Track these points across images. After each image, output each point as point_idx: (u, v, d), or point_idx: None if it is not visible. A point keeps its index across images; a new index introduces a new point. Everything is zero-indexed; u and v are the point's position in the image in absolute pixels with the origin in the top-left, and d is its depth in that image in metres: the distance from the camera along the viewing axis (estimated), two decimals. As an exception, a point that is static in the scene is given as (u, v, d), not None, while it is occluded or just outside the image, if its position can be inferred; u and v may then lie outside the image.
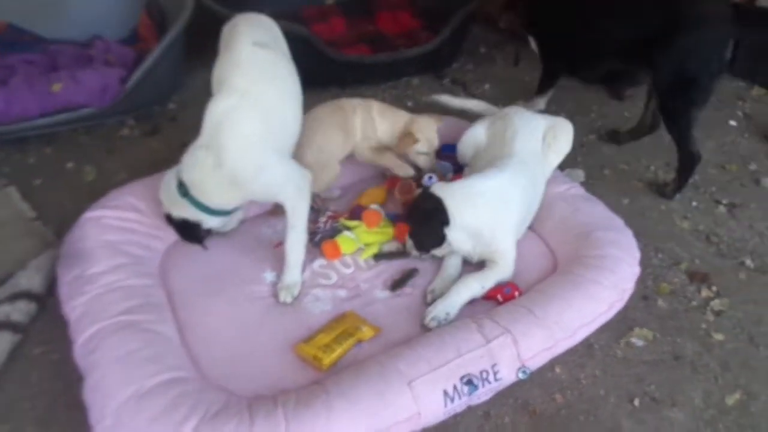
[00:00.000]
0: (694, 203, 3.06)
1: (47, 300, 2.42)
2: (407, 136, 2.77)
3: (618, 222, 2.63)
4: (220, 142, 2.23)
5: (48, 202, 2.90)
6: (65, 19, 3.91)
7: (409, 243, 2.49)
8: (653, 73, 2.87)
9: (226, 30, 2.56)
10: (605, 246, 2.45)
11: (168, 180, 2.36)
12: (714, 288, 2.59)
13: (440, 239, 2.39)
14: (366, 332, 2.23)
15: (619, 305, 2.34)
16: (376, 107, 2.88)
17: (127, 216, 2.53)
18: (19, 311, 2.33)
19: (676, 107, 2.85)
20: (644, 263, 2.63)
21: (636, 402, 2.16)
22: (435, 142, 2.84)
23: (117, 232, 2.47)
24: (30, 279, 2.43)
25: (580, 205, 2.69)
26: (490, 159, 2.60)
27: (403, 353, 2.03)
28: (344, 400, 1.86)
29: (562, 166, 3.14)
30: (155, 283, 2.38)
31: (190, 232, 2.40)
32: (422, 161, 2.85)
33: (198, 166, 2.27)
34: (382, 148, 2.89)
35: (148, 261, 2.46)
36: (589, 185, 3.09)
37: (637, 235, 2.73)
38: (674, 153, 3.32)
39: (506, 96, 3.79)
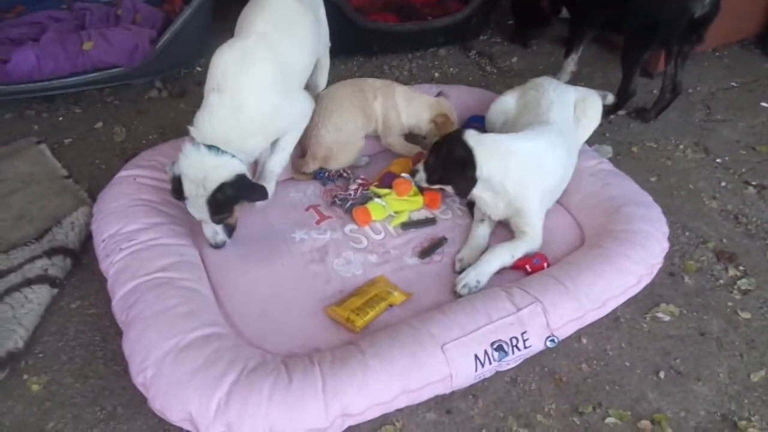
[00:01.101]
0: (723, 183, 3.05)
1: (82, 256, 2.46)
2: (446, 120, 2.78)
3: (647, 198, 2.64)
4: (236, 82, 2.22)
5: (79, 161, 2.93)
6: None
7: (420, 174, 2.53)
8: (627, 16, 3.16)
9: None
10: (635, 221, 2.46)
11: (190, 158, 2.21)
12: (741, 267, 2.60)
13: (472, 183, 2.39)
14: (397, 297, 2.27)
15: (647, 279, 2.36)
16: (399, 92, 2.87)
17: (162, 176, 2.54)
18: (56, 266, 2.37)
19: (635, 46, 3.24)
20: (672, 240, 2.64)
21: (661, 374, 2.19)
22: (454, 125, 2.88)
23: (152, 191, 2.50)
24: (65, 235, 2.47)
25: (610, 180, 2.70)
26: (522, 127, 2.59)
27: (436, 318, 2.07)
28: (379, 360, 1.90)
29: (591, 142, 3.15)
30: (189, 243, 2.41)
31: (247, 188, 2.30)
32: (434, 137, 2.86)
33: (215, 113, 2.22)
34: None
35: (182, 221, 2.48)
36: (616, 161, 3.08)
37: (665, 213, 2.74)
38: (704, 131, 3.36)
39: (532, 70, 3.77)
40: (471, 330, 2.02)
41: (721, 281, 2.54)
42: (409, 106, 2.84)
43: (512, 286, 2.22)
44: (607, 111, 3.36)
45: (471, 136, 2.40)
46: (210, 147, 2.21)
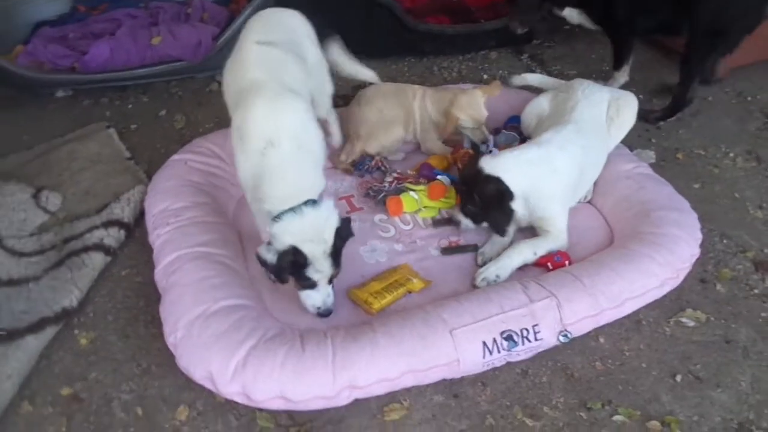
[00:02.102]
0: (772, 194, 2.95)
1: (135, 229, 2.69)
2: (448, 119, 2.86)
3: (684, 204, 2.60)
4: (286, 130, 2.13)
5: (142, 145, 3.19)
6: (168, -21, 4.22)
7: (464, 221, 2.55)
8: (690, 21, 3.05)
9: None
10: (665, 225, 2.44)
11: (298, 223, 2.06)
12: (780, 279, 2.52)
13: (511, 216, 2.45)
14: (416, 284, 2.35)
15: (672, 283, 2.34)
16: (429, 93, 3.02)
17: (210, 161, 2.76)
18: (111, 237, 2.61)
19: (699, 52, 3.12)
20: (707, 248, 2.61)
21: (678, 378, 2.16)
22: (482, 116, 2.89)
23: (200, 174, 2.70)
24: (122, 210, 2.72)
25: (646, 184, 2.68)
26: (548, 128, 2.62)
27: (449, 304, 2.14)
28: (389, 339, 2.00)
29: (633, 146, 3.12)
30: (229, 223, 2.59)
31: (346, 225, 2.19)
32: (472, 135, 2.93)
33: (285, 169, 2.10)
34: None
35: (225, 203, 2.67)
36: (659, 167, 3.04)
37: (705, 220, 2.70)
38: (758, 140, 3.25)
39: (583, 75, 3.71)
40: (482, 318, 2.08)
41: (756, 291, 2.47)
42: (432, 104, 2.97)
43: (529, 281, 2.26)
44: (659, 117, 3.36)
45: (488, 164, 2.42)
46: (306, 202, 2.09)
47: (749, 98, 3.57)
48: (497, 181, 2.40)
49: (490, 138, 2.92)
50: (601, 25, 3.43)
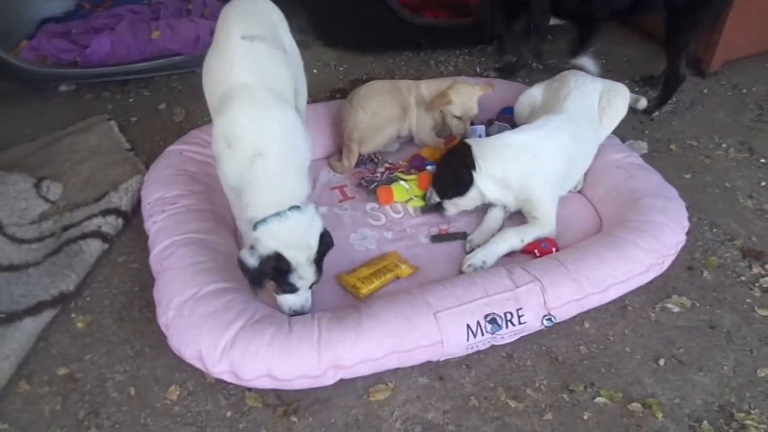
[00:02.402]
0: (763, 183, 2.96)
1: (132, 217, 2.76)
2: (441, 95, 2.89)
3: (671, 192, 2.63)
4: (271, 140, 2.10)
5: (141, 137, 3.26)
6: (171, -24, 4.29)
7: (431, 191, 2.62)
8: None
9: (219, 21, 2.41)
10: (651, 212, 2.47)
11: (283, 229, 2.03)
12: (767, 266, 2.54)
13: (464, 185, 2.49)
14: (404, 270, 2.40)
15: (658, 269, 2.37)
16: (422, 84, 3.07)
17: (205, 152, 2.81)
18: (109, 224, 2.67)
19: (682, 29, 3.13)
20: (695, 236, 2.65)
21: (661, 362, 2.19)
22: (472, 110, 2.94)
23: (195, 164, 2.76)
24: (120, 198, 2.78)
25: (634, 173, 2.71)
26: (539, 117, 2.66)
27: (434, 288, 2.18)
28: (373, 320, 2.05)
29: (626, 137, 3.15)
30: (223, 211, 2.64)
31: (327, 232, 2.15)
32: (455, 126, 2.96)
33: (271, 177, 2.07)
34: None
35: (220, 191, 2.71)
36: (652, 158, 3.07)
37: (694, 209, 2.74)
38: (751, 131, 3.26)
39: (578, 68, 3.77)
40: (466, 301, 2.12)
41: (743, 278, 2.49)
42: (428, 89, 3.02)
43: (515, 266, 2.29)
44: (655, 104, 3.39)
45: (473, 142, 2.54)
46: (291, 208, 2.06)
47: (744, 90, 3.59)
48: (465, 148, 2.51)
49: (471, 130, 2.98)
50: (575, 17, 3.34)
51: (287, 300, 2.15)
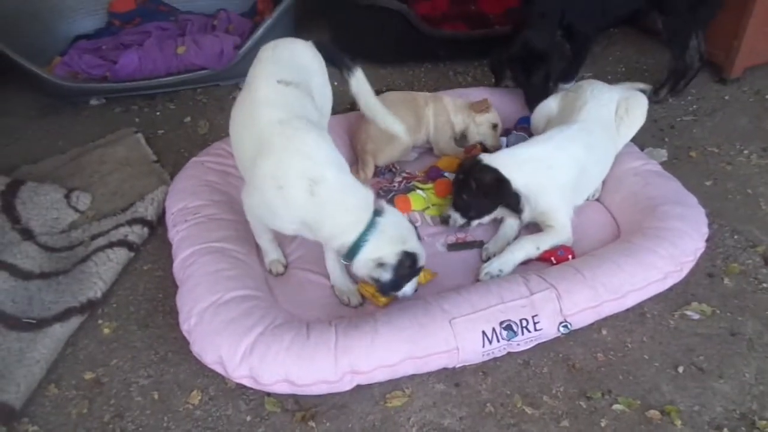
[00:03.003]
0: (786, 190, 2.92)
1: (157, 227, 2.84)
2: (482, 101, 2.92)
3: (690, 199, 2.61)
4: (324, 163, 2.11)
5: (167, 149, 3.36)
6: (197, -7, 4.43)
7: (454, 216, 2.57)
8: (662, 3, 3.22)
9: (256, 63, 2.45)
10: (670, 219, 2.46)
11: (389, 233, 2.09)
12: (790, 274, 2.50)
13: (518, 198, 2.50)
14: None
15: (676, 276, 2.35)
16: (446, 97, 3.12)
17: (226, 161, 2.88)
18: (135, 233, 2.76)
19: (686, 25, 3.26)
20: (716, 243, 2.63)
21: (680, 369, 2.17)
22: (497, 120, 3.02)
23: (217, 174, 2.83)
24: (146, 208, 2.87)
25: (652, 180, 2.70)
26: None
27: (450, 295, 2.21)
28: (389, 326, 2.08)
29: (646, 145, 3.14)
30: (244, 221, 2.67)
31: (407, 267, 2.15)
32: (491, 138, 3.02)
33: (339, 198, 2.08)
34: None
35: (240, 200, 2.78)
36: (672, 165, 3.06)
37: (715, 216, 2.72)
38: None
39: (598, 76, 3.74)
40: (481, 308, 2.14)
41: (765, 285, 2.47)
42: (455, 105, 3.06)
43: (531, 273, 2.31)
44: (668, 91, 3.50)
45: (486, 158, 2.54)
46: (374, 213, 2.10)
47: (767, 96, 3.54)
48: (494, 171, 2.47)
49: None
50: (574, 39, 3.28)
51: (404, 294, 2.22)
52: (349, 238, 2.07)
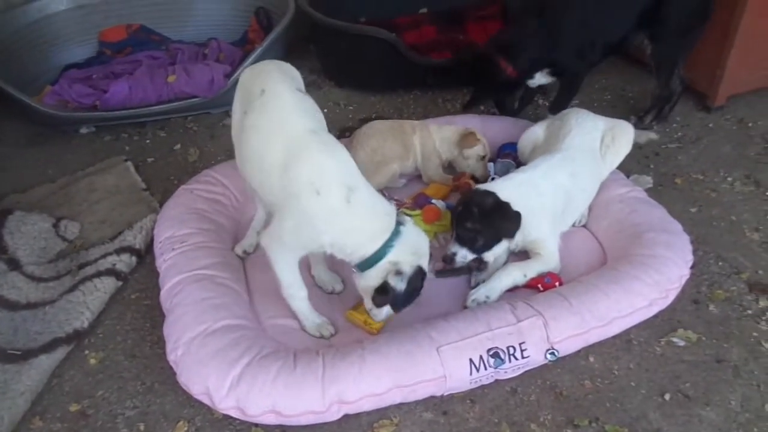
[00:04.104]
0: (770, 216, 2.97)
1: (146, 255, 2.84)
2: (470, 134, 2.96)
3: (675, 226, 2.64)
4: (354, 172, 2.18)
5: (156, 176, 3.37)
6: (189, 23, 4.50)
7: (461, 252, 2.48)
8: (654, 29, 3.26)
9: (250, 77, 2.45)
10: (655, 246, 2.48)
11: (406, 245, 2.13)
12: (775, 300, 2.53)
13: (518, 219, 2.45)
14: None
15: (662, 303, 2.37)
16: (431, 126, 3.16)
17: (215, 190, 2.90)
18: (123, 262, 2.75)
19: (673, 55, 3.36)
20: (701, 269, 2.65)
21: (667, 396, 2.18)
22: (485, 151, 3.05)
23: (205, 202, 2.85)
24: (134, 237, 2.87)
25: (638, 207, 2.73)
26: (540, 155, 2.71)
27: (437, 323, 2.21)
28: (376, 355, 2.08)
29: (632, 171, 3.19)
30: (232, 248, 2.71)
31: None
32: (480, 168, 3.06)
33: (368, 210, 2.13)
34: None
35: (229, 228, 2.80)
36: (657, 192, 3.09)
37: (700, 243, 2.75)
38: (757, 165, 3.28)
39: (585, 104, 3.82)
40: (468, 336, 2.15)
41: (749, 311, 2.48)
42: (441, 135, 3.09)
43: (518, 300, 2.32)
44: (653, 117, 3.60)
45: (484, 186, 2.56)
46: (396, 224, 2.14)
47: (750, 124, 3.60)
48: (493, 194, 2.47)
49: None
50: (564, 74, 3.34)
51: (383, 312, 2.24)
52: (375, 245, 2.10)
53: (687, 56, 3.42)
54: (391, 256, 2.10)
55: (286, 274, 2.28)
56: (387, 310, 2.23)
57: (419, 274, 2.14)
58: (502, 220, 2.45)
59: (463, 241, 2.48)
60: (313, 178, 2.08)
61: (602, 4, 3.12)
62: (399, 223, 2.16)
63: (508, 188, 2.50)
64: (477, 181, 3.02)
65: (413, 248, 2.15)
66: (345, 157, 2.18)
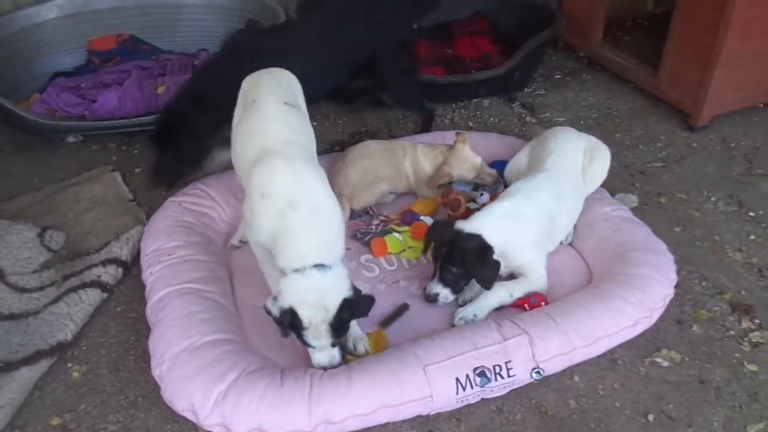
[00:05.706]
0: (752, 237, 3.00)
1: (132, 267, 2.82)
2: (438, 172, 3.02)
3: (659, 245, 2.68)
4: (305, 189, 2.17)
5: (144, 188, 3.34)
6: (179, 34, 4.50)
7: (443, 292, 2.47)
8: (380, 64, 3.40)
9: (248, 85, 2.56)
10: (639, 266, 2.51)
11: (300, 284, 2.07)
12: (757, 321, 2.56)
13: (498, 267, 2.43)
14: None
15: (646, 323, 2.40)
16: (420, 148, 3.16)
17: (203, 202, 2.90)
18: (109, 274, 2.73)
19: (403, 74, 3.55)
20: (684, 289, 2.68)
21: (650, 417, 2.20)
22: (476, 163, 3.05)
23: (193, 215, 2.84)
24: (120, 248, 2.85)
25: (622, 226, 2.76)
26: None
27: (423, 342, 2.22)
28: (363, 375, 2.07)
29: (617, 190, 3.23)
30: (220, 261, 2.70)
31: (362, 300, 2.19)
32: (487, 178, 3.09)
33: (302, 231, 2.11)
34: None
35: (217, 241, 2.80)
36: (642, 211, 3.13)
37: (684, 263, 2.79)
38: (740, 185, 3.33)
39: (571, 122, 3.87)
40: (455, 354, 2.15)
41: (732, 332, 2.51)
42: (426, 160, 3.11)
43: (504, 319, 2.33)
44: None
45: (465, 225, 2.44)
46: (316, 265, 2.07)
47: (733, 144, 3.67)
48: (478, 238, 2.42)
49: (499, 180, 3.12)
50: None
51: (313, 355, 2.16)
52: (285, 266, 2.11)
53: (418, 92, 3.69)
54: (282, 284, 2.09)
55: (256, 249, 2.35)
56: (316, 353, 2.16)
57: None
58: (483, 269, 2.43)
59: (446, 283, 2.48)
60: (264, 181, 2.18)
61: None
62: (320, 266, 2.07)
63: (488, 224, 2.46)
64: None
65: (302, 293, 2.05)
66: (304, 174, 2.19)
